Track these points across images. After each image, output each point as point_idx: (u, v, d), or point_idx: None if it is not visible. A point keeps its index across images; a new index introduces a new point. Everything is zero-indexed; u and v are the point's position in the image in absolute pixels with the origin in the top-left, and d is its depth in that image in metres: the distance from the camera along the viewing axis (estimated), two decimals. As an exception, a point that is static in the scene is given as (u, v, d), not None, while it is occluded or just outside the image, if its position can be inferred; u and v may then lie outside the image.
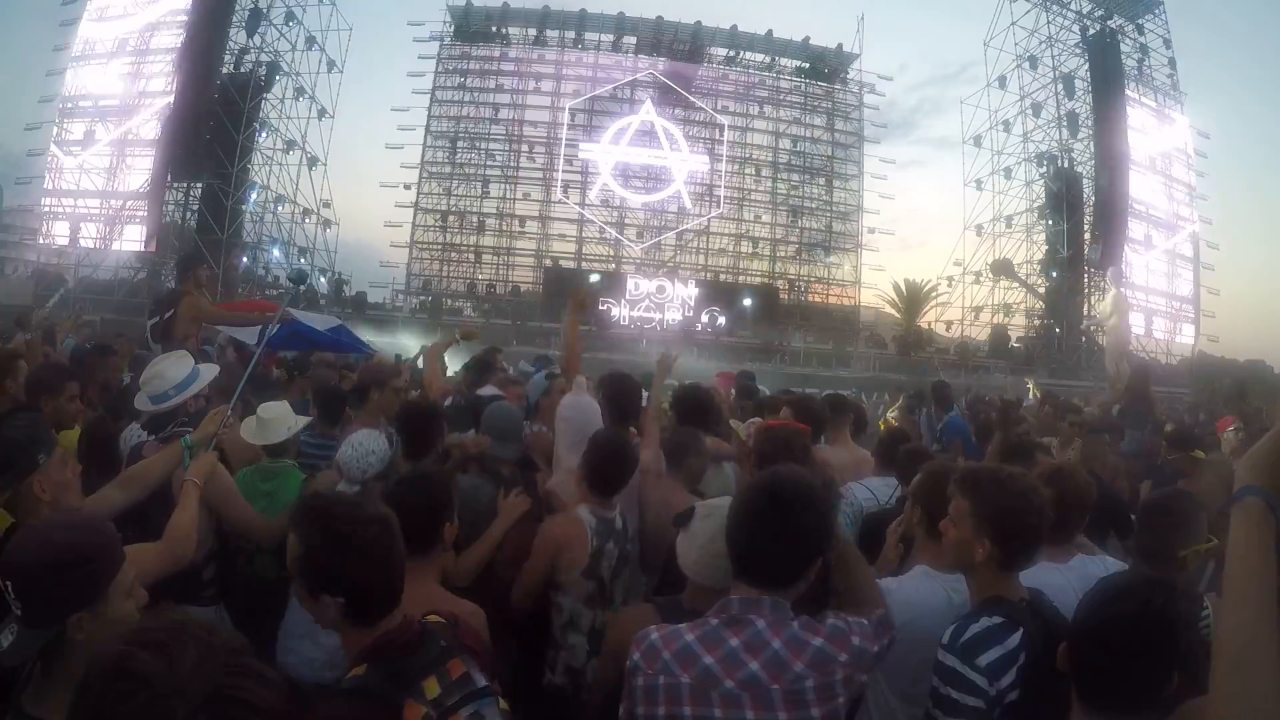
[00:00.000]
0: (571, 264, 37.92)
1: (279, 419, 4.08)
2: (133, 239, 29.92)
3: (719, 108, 40.21)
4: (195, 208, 30.76)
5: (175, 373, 4.13)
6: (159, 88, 30.33)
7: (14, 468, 2.65)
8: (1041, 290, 35.16)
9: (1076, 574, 2.91)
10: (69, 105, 32.35)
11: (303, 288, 4.09)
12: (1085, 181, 34.50)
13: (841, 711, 2.07)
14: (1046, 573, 2.77)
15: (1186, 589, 1.97)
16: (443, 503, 2.83)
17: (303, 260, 34.01)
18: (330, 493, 2.91)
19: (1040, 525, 2.37)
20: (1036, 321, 35.97)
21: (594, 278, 32.30)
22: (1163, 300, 36.53)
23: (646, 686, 2.06)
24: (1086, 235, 33.49)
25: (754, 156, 40.76)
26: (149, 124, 30.28)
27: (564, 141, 39.26)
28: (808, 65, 40.31)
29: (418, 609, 2.48)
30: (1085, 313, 34.02)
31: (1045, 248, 35.20)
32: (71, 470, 2.82)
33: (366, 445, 3.61)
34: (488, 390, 6.37)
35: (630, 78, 39.71)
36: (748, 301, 33.47)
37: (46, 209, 32.35)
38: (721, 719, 1.99)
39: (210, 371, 4.36)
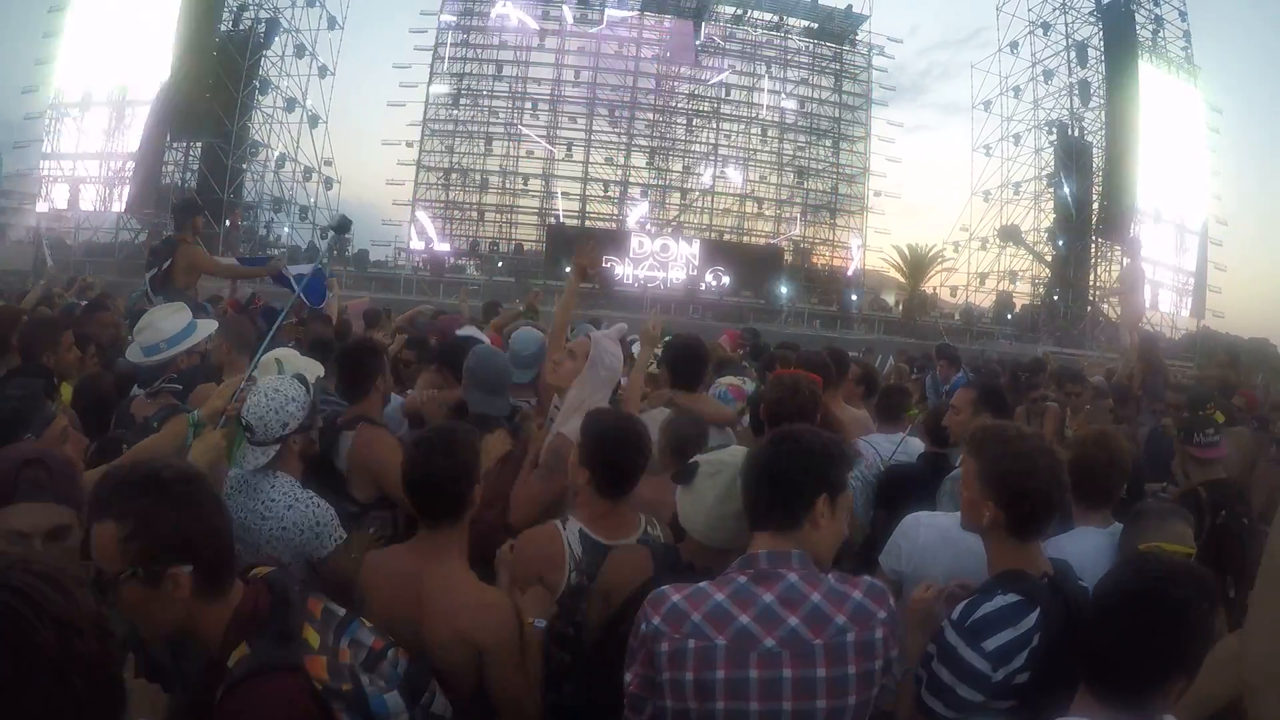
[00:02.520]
0: (575, 222, 37.66)
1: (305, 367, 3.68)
2: (132, 200, 29.76)
3: (725, 67, 39.69)
4: (195, 168, 30.47)
5: (169, 325, 3.96)
6: (157, 47, 29.99)
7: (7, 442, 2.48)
8: (1048, 258, 34.95)
9: (1116, 539, 2.86)
10: (65, 68, 32.04)
11: (348, 236, 3.87)
12: (1095, 150, 34.13)
13: (876, 677, 1.95)
14: (1086, 536, 2.72)
15: (1203, 574, 1.83)
16: (470, 464, 2.51)
17: (304, 219, 33.89)
18: (141, 456, 2.61)
19: (1050, 491, 2.23)
20: (1042, 289, 35.81)
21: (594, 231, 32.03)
22: (1169, 275, 36.38)
23: (673, 651, 1.91)
24: (1095, 205, 33.19)
25: (760, 117, 40.27)
26: (148, 84, 29.99)
27: (567, 99, 38.77)
28: (816, 25, 39.69)
29: (444, 594, 2.41)
30: (1091, 282, 33.87)
31: (1053, 215, 34.93)
32: (74, 445, 2.68)
33: (285, 393, 2.90)
34: (467, 330, 6.11)
35: (635, 34, 39.13)
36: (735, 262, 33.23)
37: (45, 173, 32.19)
38: (758, 679, 1.88)
39: (208, 327, 4.19)
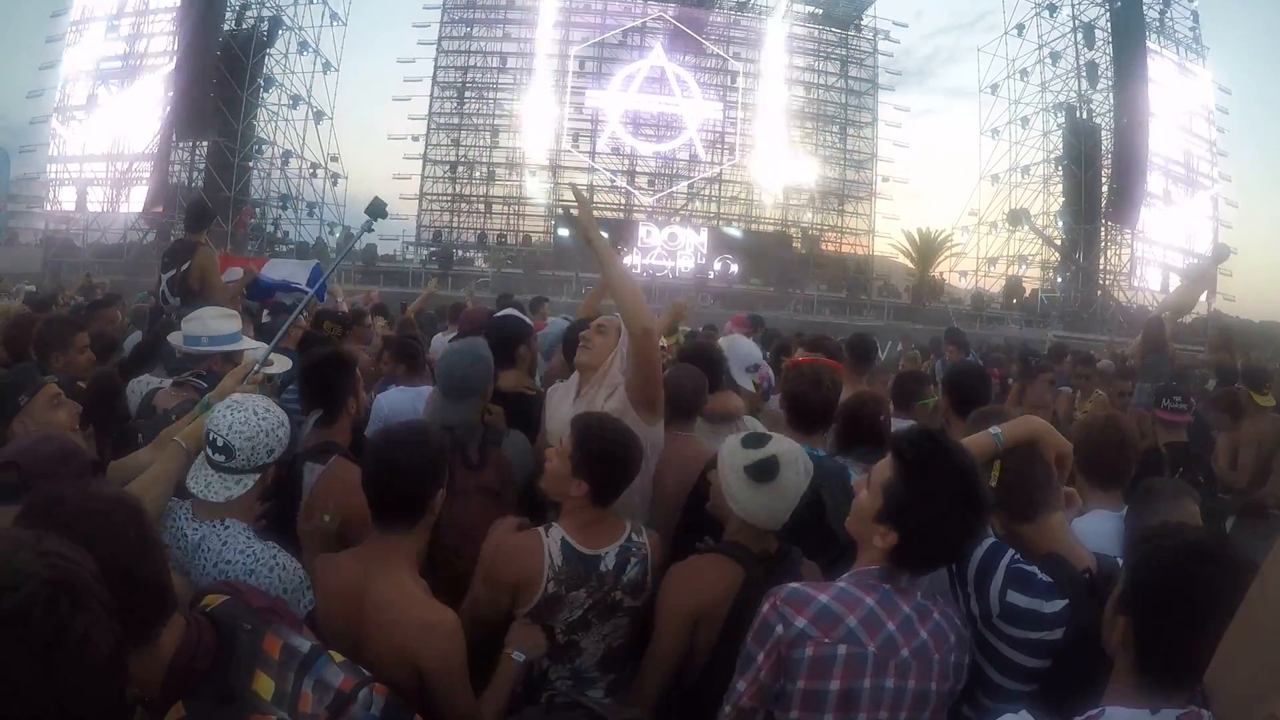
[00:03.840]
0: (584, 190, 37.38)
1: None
2: (139, 201, 29.87)
3: (731, 54, 39.52)
4: (201, 166, 30.52)
5: (217, 325, 4.08)
6: (160, 48, 30.15)
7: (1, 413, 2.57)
8: (1058, 242, 34.76)
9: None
10: (70, 71, 32.19)
11: (381, 220, 3.86)
12: (1104, 133, 33.88)
13: (949, 696, 2.02)
14: (1099, 519, 2.72)
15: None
16: (437, 465, 2.34)
17: (312, 215, 33.93)
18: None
19: (1043, 475, 2.27)
20: (1053, 273, 35.61)
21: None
22: (1180, 257, 36.14)
23: (819, 657, 1.83)
24: (1104, 187, 32.96)
25: (767, 103, 40.05)
26: (152, 85, 30.06)
27: (572, 89, 38.68)
28: (821, 11, 39.51)
29: (387, 607, 2.19)
30: (1101, 266, 33.66)
31: (1062, 199, 34.73)
32: (68, 412, 2.73)
33: (276, 415, 2.54)
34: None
35: (640, 23, 39.00)
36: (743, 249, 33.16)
37: (52, 176, 32.36)
38: (892, 689, 1.88)
39: (249, 343, 4.23)
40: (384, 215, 3.56)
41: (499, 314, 5.12)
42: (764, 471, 2.41)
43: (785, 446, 2.47)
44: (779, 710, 1.88)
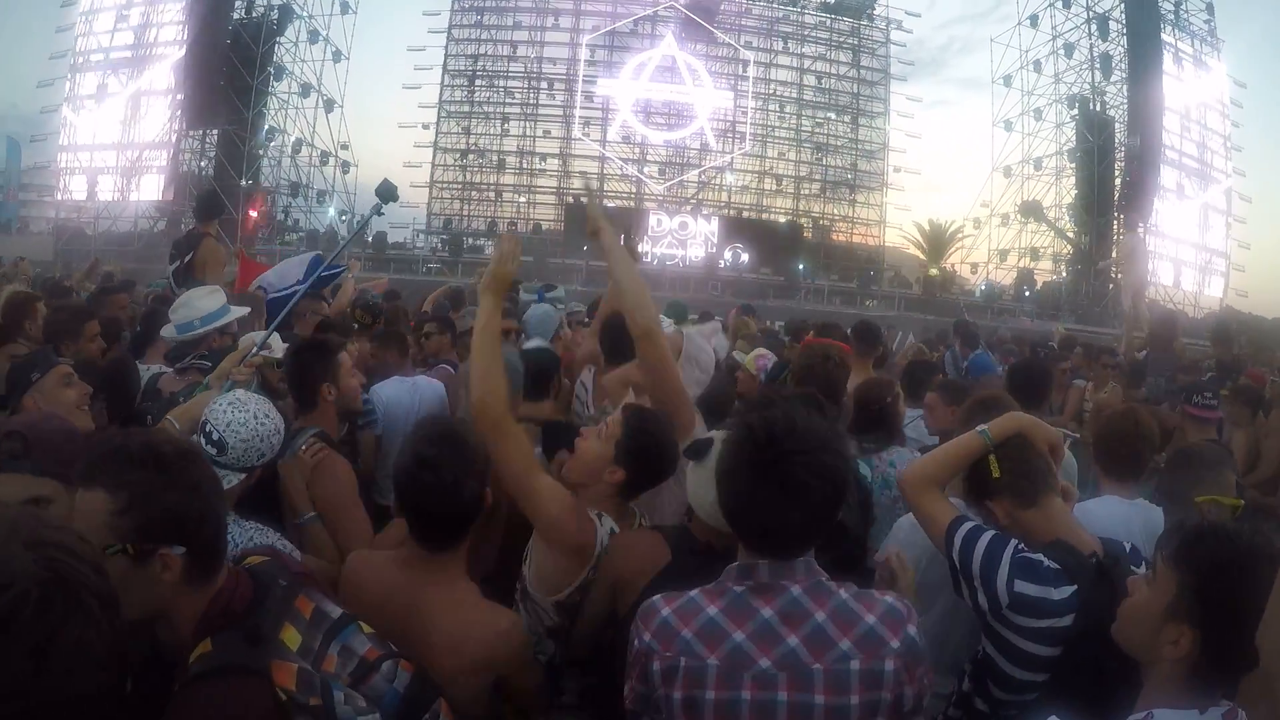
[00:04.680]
0: (594, 185, 37.51)
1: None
2: (150, 189, 29.95)
3: (742, 43, 39.36)
4: (212, 155, 30.60)
5: (204, 304, 4.11)
6: (170, 37, 30.27)
7: (14, 390, 2.66)
8: (1070, 234, 34.60)
9: (1141, 513, 2.87)
10: (80, 60, 32.30)
11: (391, 203, 3.78)
12: (1118, 125, 33.66)
13: (885, 708, 1.74)
14: (1112, 505, 2.72)
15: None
16: (484, 471, 2.23)
17: (322, 202, 33.98)
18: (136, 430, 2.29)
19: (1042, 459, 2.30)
20: (1064, 266, 35.45)
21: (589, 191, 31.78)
22: (1192, 252, 35.96)
23: (665, 669, 1.74)
24: (1117, 181, 32.78)
25: (778, 93, 39.98)
26: (162, 74, 30.14)
27: (583, 78, 38.61)
28: (833, 0, 39.37)
29: (452, 623, 2.12)
30: (1113, 259, 33.48)
31: (1075, 192, 34.53)
32: (78, 391, 2.75)
33: (274, 420, 2.56)
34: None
35: (651, 11, 38.87)
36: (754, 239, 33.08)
37: (63, 165, 32.51)
38: (751, 701, 1.70)
39: (239, 310, 4.30)
40: (395, 198, 3.51)
41: (529, 346, 5.07)
42: (695, 450, 2.37)
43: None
44: (654, 713, 1.81)
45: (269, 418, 2.52)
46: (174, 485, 1.57)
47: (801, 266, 32.08)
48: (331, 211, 33.98)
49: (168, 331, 4.11)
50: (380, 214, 3.86)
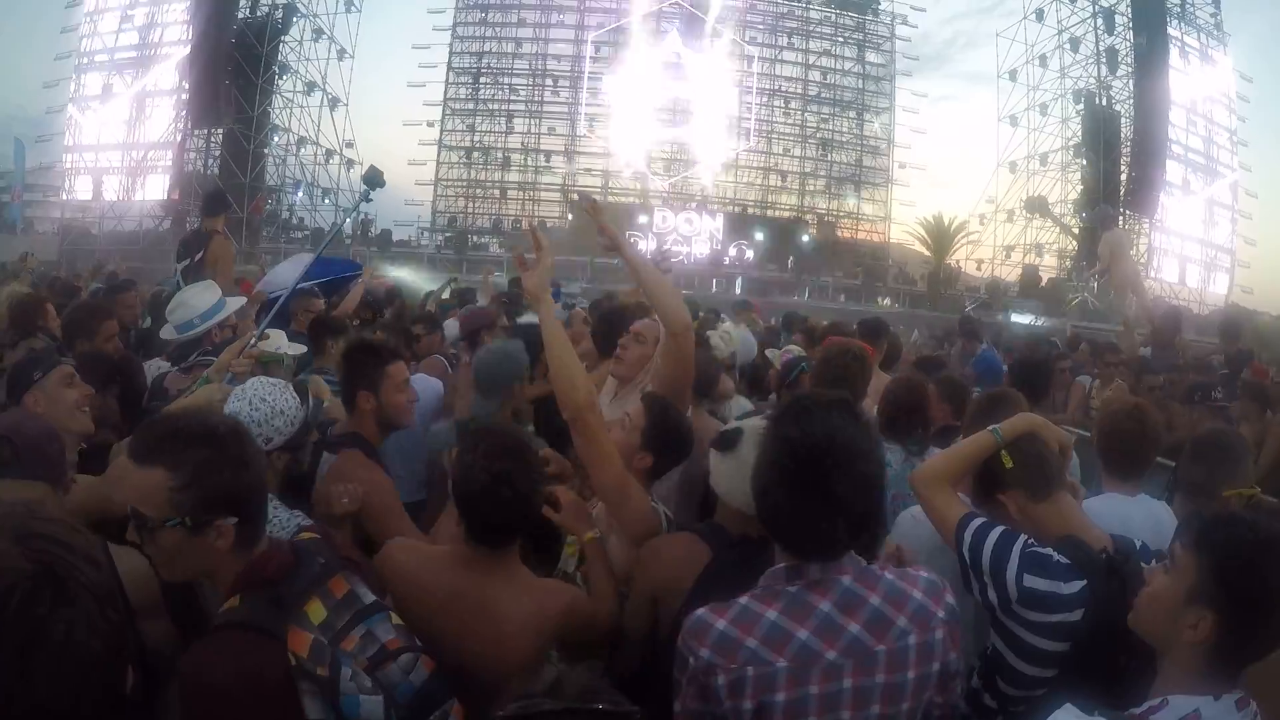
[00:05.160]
0: (598, 197, 37.45)
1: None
2: (155, 189, 30.02)
3: (747, 39, 39.33)
4: (217, 154, 30.63)
5: (201, 301, 4.09)
6: (175, 36, 30.33)
7: (16, 388, 2.69)
8: (1076, 230, 34.47)
9: (1144, 509, 2.88)
10: (85, 60, 32.36)
11: (379, 189, 3.78)
12: (1123, 120, 33.51)
13: (933, 680, 1.82)
14: (1114, 502, 2.73)
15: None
16: (542, 477, 2.34)
17: (327, 200, 34.01)
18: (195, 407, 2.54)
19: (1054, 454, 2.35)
20: (1069, 262, 35.32)
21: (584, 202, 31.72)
22: (1197, 248, 35.85)
23: (731, 682, 1.73)
24: (1123, 176, 32.65)
25: (783, 89, 39.95)
26: (167, 73, 30.20)
27: (588, 74, 38.64)
28: (838, -5, 39.35)
29: (519, 609, 2.20)
30: (1098, 262, 33.28)
31: (1080, 187, 34.40)
32: (79, 391, 2.76)
33: (273, 403, 2.59)
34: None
35: (655, 8, 38.85)
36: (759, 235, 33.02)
37: (68, 165, 32.59)
38: (818, 694, 1.73)
39: (236, 302, 4.31)
40: (381, 184, 3.53)
41: (524, 321, 5.09)
42: (725, 441, 2.39)
43: (759, 423, 2.31)
44: None
45: (264, 401, 2.58)
46: (229, 461, 1.70)
47: (806, 263, 31.99)
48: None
49: (167, 333, 4.10)
50: (369, 199, 3.84)
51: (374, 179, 3.62)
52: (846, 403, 2.65)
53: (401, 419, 3.21)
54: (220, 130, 30.28)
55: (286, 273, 7.51)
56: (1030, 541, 2.17)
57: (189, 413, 1.96)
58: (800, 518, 1.76)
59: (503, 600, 2.19)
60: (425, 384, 4.47)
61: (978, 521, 2.26)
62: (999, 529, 2.22)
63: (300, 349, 4.12)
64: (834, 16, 39.90)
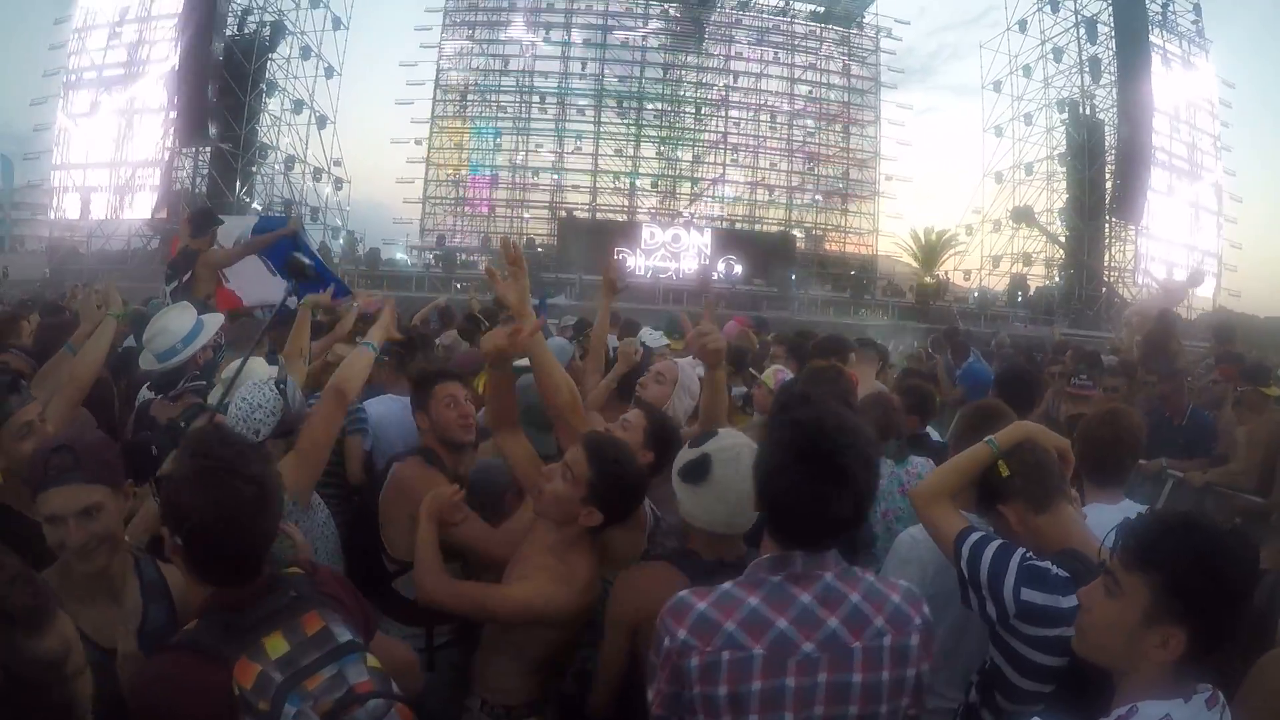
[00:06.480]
0: (586, 214, 37.66)
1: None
2: (143, 207, 29.96)
3: (733, 53, 39.55)
4: (205, 172, 30.55)
5: (179, 325, 3.91)
6: (163, 54, 30.26)
7: None
8: (1062, 239, 34.65)
9: (1126, 515, 2.87)
10: (73, 77, 32.33)
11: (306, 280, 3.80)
12: (1107, 129, 33.76)
13: (908, 685, 1.86)
14: (1095, 513, 2.73)
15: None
16: None
17: (316, 219, 33.94)
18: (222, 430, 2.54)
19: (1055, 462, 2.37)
20: (1056, 271, 35.49)
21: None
22: (1184, 253, 36.06)
23: (705, 665, 1.76)
24: (1108, 183, 32.85)
25: (769, 103, 40.13)
26: (154, 91, 30.18)
27: (574, 91, 38.78)
28: (823, 9, 39.54)
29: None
30: (1105, 263, 33.52)
31: (1066, 195, 34.60)
32: (35, 443, 2.57)
33: (250, 400, 2.89)
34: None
35: (641, 25, 39.05)
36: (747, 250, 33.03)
37: (56, 183, 32.49)
38: (794, 687, 1.76)
39: (215, 320, 4.19)
40: (309, 277, 3.68)
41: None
42: (692, 472, 2.33)
43: (726, 443, 2.35)
44: (686, 714, 1.82)
45: (244, 400, 2.89)
46: (188, 480, 1.76)
47: (794, 277, 32.02)
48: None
49: (146, 361, 3.91)
50: (298, 296, 3.99)
51: (299, 269, 3.76)
52: (841, 394, 2.70)
53: (451, 433, 3.33)
54: (208, 148, 30.24)
55: (257, 279, 7.40)
56: (1028, 555, 2.16)
57: (226, 434, 2.06)
58: (814, 495, 1.78)
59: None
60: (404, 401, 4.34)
61: (976, 535, 2.25)
62: (997, 542, 2.21)
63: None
64: (819, 30, 40.17)
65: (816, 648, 1.78)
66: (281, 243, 7.03)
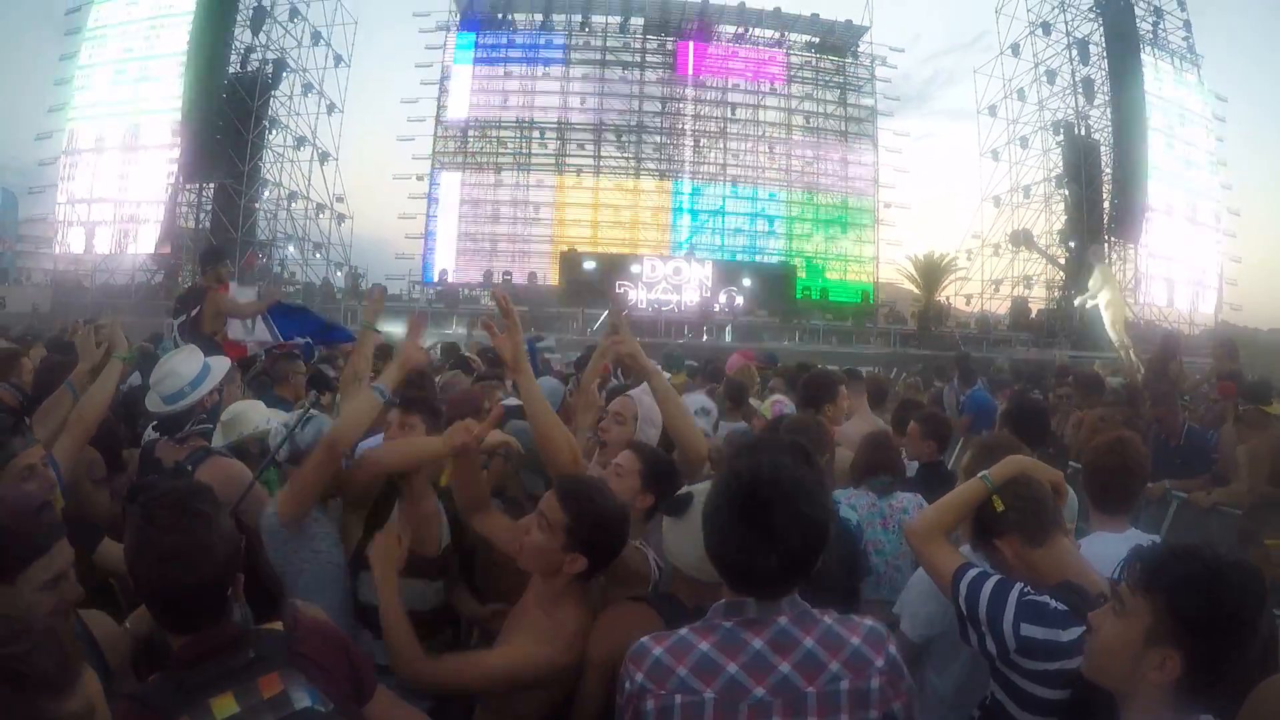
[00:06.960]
0: (588, 248, 37.78)
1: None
2: (147, 242, 30.21)
3: (730, 85, 39.92)
4: (208, 208, 30.78)
5: (187, 369, 3.91)
6: (167, 91, 30.59)
7: None
8: (1062, 261, 34.71)
9: (1133, 545, 2.86)
10: (78, 113, 32.63)
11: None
12: (1103, 149, 33.94)
13: None
14: (1100, 543, 2.73)
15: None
16: None
17: (318, 255, 34.10)
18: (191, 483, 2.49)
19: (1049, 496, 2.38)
20: (1057, 293, 35.50)
21: (589, 264, 31.71)
22: (1184, 269, 36.11)
23: (660, 709, 1.79)
24: (1105, 204, 32.98)
25: (767, 134, 40.44)
26: (159, 128, 30.50)
27: (574, 123, 39.17)
28: (818, 40, 39.99)
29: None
30: (1088, 292, 33.47)
31: (1064, 217, 34.71)
32: (41, 483, 2.64)
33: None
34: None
35: (639, 59, 39.44)
36: (748, 281, 33.13)
37: (61, 218, 32.76)
38: None
39: (221, 365, 4.20)
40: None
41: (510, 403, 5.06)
42: (677, 505, 2.33)
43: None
44: None
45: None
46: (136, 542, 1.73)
47: (796, 307, 32.08)
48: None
49: (153, 403, 3.91)
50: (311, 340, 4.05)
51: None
52: (801, 446, 2.66)
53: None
54: (211, 184, 30.49)
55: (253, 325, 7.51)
56: (1026, 590, 2.17)
57: (184, 487, 1.93)
58: (738, 549, 1.82)
59: None
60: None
61: (973, 572, 2.26)
62: (994, 578, 2.22)
63: (283, 415, 3.99)
64: (815, 61, 40.57)
65: (768, 692, 1.78)
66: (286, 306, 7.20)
